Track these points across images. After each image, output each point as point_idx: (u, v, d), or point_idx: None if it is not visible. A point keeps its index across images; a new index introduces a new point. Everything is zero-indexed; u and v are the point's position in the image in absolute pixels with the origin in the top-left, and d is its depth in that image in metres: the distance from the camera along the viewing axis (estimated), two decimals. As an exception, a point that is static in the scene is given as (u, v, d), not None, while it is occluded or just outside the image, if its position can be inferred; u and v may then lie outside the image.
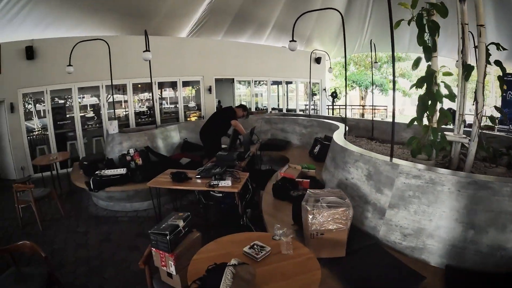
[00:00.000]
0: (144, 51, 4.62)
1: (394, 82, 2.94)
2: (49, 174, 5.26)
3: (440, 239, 1.98)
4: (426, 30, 2.91)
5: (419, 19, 2.89)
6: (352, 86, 17.94)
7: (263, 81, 10.85)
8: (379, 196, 2.31)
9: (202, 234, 2.04)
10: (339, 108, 14.56)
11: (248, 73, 9.98)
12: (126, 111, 7.79)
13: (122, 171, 4.07)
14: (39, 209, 3.95)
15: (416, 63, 3.21)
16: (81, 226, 3.95)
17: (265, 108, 11.27)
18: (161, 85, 8.68)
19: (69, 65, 5.27)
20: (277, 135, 6.41)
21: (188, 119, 9.06)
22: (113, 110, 5.65)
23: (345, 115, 4.31)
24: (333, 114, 13.38)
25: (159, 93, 8.55)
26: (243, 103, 10.64)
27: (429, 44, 2.93)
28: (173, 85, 8.86)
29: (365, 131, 5.81)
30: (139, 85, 8.06)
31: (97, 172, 4.07)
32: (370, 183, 2.45)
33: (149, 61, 5.01)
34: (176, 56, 7.81)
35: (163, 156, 4.72)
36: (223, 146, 4.90)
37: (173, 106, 9.07)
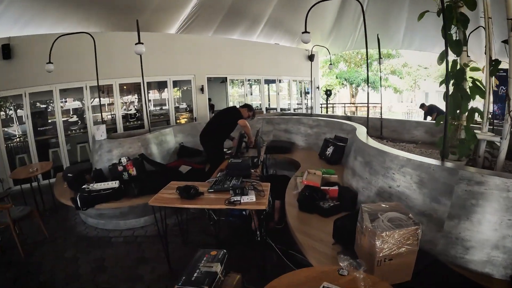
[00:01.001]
0: (136, 44, 4.04)
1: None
2: (29, 186, 4.59)
3: (505, 250, 1.77)
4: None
5: (448, 11, 2.71)
6: (343, 84, 17.76)
7: (253, 80, 10.40)
8: (436, 206, 2.01)
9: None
10: (333, 107, 14.31)
11: (242, 71, 9.51)
12: (112, 114, 7.16)
13: (114, 184, 3.51)
14: (20, 230, 3.43)
15: (442, 58, 2.94)
16: (69, 250, 3.37)
17: (257, 108, 10.85)
18: (149, 86, 8.05)
19: (49, 62, 4.66)
20: (280, 136, 5.98)
21: (178, 121, 8.53)
22: (98, 114, 5.05)
23: (367, 114, 3.86)
24: (327, 112, 13.15)
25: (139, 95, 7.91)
26: (239, 103, 10.19)
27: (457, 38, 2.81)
28: (160, 86, 8.29)
29: (373, 130, 5.45)
30: (124, 87, 7.44)
31: (84, 186, 3.49)
32: (423, 192, 2.12)
33: (140, 57, 4.47)
34: (166, 54, 7.24)
35: (159, 165, 4.18)
36: (225, 150, 4.44)
37: (158, 108, 8.49)
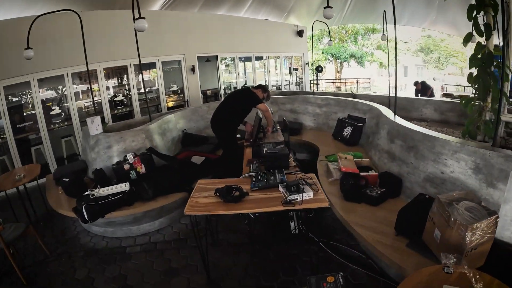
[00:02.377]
0: (137, 19, 3.41)
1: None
2: (15, 192, 3.86)
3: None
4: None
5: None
6: (329, 59, 17.46)
7: (243, 57, 9.87)
8: (492, 191, 1.98)
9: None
10: (322, 83, 14.04)
11: (233, 49, 8.97)
12: (96, 102, 6.51)
13: (124, 187, 3.01)
14: (15, 250, 2.88)
15: (467, 40, 3.05)
16: (79, 269, 2.79)
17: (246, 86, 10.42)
18: (136, 69, 7.39)
19: (28, 47, 4.03)
20: (287, 117, 5.65)
21: (171, 104, 7.99)
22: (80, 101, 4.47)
23: (395, 93, 3.53)
24: (317, 89, 12.90)
25: (127, 78, 7.22)
26: (227, 82, 9.71)
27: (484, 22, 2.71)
28: (146, 68, 7.65)
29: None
30: (104, 71, 6.77)
31: (87, 192, 2.95)
32: (478, 177, 2.06)
33: (136, 37, 3.94)
34: (153, 33, 6.56)
35: (171, 158, 3.74)
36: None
37: (147, 92, 7.80)
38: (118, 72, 7.07)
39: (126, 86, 7.12)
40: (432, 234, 1.82)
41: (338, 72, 18.78)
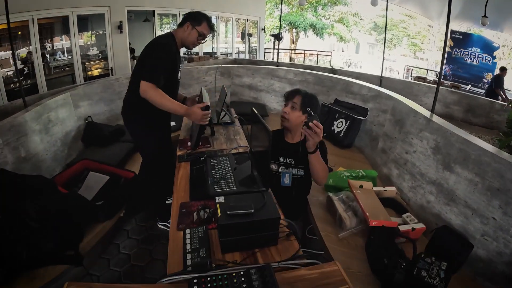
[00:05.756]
0: None
1: None
2: None
3: None
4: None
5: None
6: (284, 27, 15.94)
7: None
8: None
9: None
10: (279, 52, 12.54)
11: (174, 3, 6.97)
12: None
13: None
14: None
15: None
16: None
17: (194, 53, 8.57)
18: (41, 28, 5.15)
19: None
20: (243, 94, 4.16)
21: (89, 73, 5.94)
22: None
23: (438, 84, 2.30)
24: (277, 60, 11.39)
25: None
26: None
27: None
28: (61, 27, 5.42)
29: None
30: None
31: None
32: None
33: None
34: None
35: (36, 188, 1.72)
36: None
37: (58, 57, 5.63)
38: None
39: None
40: None
41: (293, 42, 17.46)
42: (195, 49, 8.60)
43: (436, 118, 1.89)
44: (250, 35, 11.21)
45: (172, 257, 1.05)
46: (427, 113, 2.00)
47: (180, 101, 2.10)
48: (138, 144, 2.24)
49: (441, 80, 3.40)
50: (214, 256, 1.03)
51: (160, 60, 1.78)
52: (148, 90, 1.72)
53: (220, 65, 4.36)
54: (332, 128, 2.90)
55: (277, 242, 1.05)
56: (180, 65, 2.05)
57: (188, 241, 1.08)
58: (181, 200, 1.37)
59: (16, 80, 4.75)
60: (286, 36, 17.54)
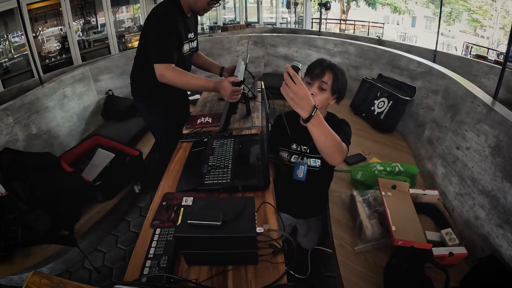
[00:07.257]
0: None
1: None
2: None
3: None
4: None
5: None
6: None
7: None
8: None
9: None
10: (325, 23, 11.66)
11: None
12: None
13: None
14: None
15: None
16: None
17: (232, 22, 8.21)
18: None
19: None
20: (278, 66, 3.82)
21: (129, 45, 6.05)
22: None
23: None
24: (319, 29, 10.62)
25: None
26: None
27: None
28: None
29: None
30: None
31: None
32: None
33: None
34: None
35: (40, 160, 1.71)
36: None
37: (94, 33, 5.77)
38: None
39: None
40: None
41: (344, 13, 16.16)
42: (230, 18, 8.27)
43: (499, 108, 1.39)
44: (296, 3, 10.49)
45: (135, 259, 0.87)
46: (488, 100, 1.51)
47: (217, 72, 1.90)
48: (147, 126, 2.09)
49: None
50: (178, 267, 0.83)
51: (163, 34, 1.52)
52: (164, 73, 1.51)
53: (253, 34, 4.03)
54: (372, 108, 2.49)
55: (256, 261, 0.81)
56: (190, 34, 1.72)
57: (154, 243, 0.88)
58: (167, 190, 1.17)
59: (51, 55, 4.97)
60: (337, 6, 16.24)
